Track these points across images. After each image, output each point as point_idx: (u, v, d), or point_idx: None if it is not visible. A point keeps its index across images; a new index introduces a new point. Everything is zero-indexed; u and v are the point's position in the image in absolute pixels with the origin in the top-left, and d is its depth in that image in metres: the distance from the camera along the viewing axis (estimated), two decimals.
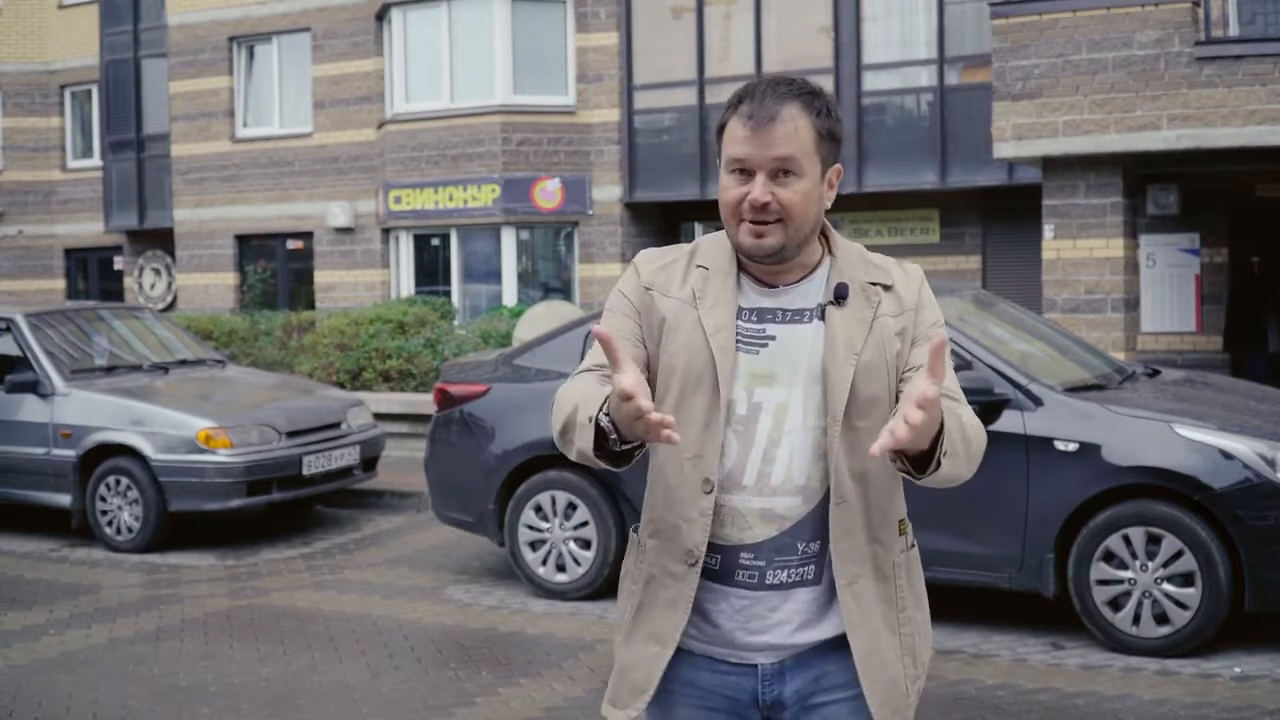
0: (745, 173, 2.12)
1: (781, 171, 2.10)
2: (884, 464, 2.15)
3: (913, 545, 2.28)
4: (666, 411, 2.15)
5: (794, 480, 2.15)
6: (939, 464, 1.98)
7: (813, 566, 2.17)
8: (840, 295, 2.17)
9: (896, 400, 2.17)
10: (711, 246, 2.27)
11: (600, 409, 2.01)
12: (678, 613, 2.16)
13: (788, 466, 2.15)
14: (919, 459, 2.00)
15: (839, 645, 2.19)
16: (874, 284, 2.21)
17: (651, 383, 2.21)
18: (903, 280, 2.25)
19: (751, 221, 2.12)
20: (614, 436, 1.98)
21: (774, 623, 2.17)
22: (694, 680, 2.20)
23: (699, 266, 2.24)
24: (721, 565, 2.16)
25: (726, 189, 2.15)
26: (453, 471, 7.53)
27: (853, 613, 2.15)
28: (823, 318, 2.17)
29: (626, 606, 2.26)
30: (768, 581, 2.16)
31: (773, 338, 2.17)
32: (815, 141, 2.12)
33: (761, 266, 2.20)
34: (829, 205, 2.19)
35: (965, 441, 2.08)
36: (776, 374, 2.15)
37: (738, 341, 2.16)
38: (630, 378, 1.89)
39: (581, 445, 2.03)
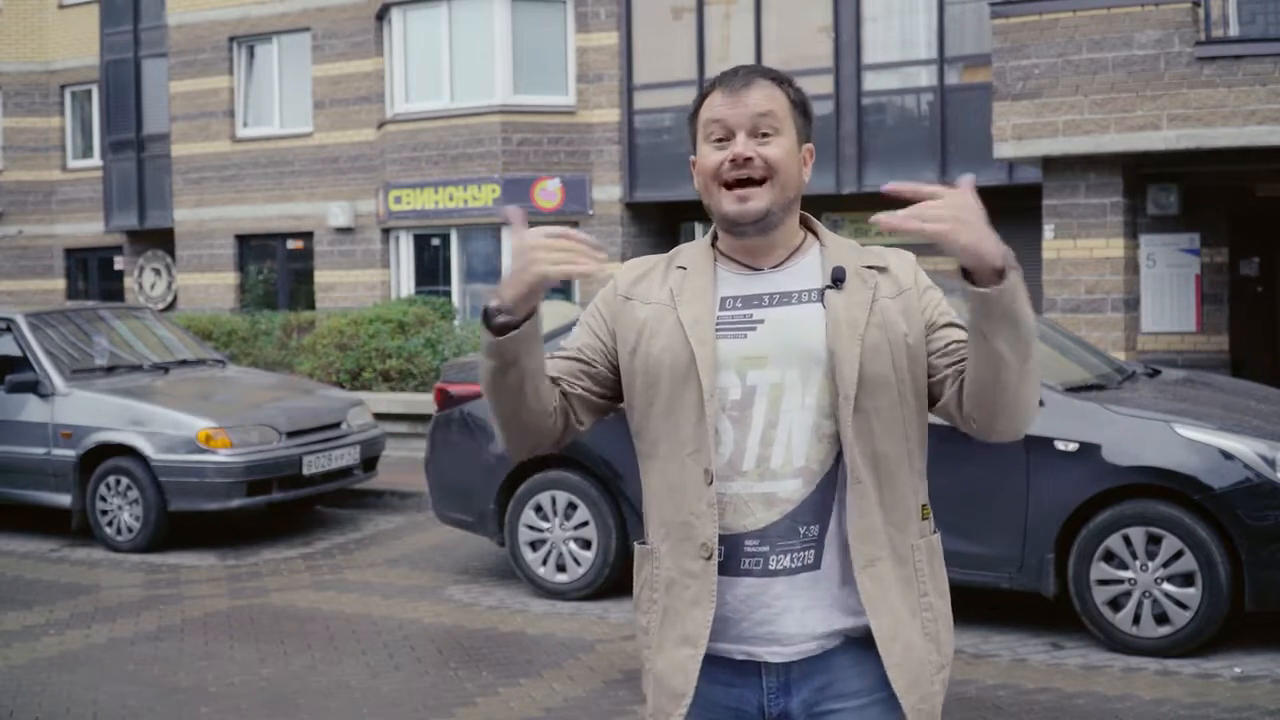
0: (724, 139, 2.16)
1: (761, 132, 2.15)
2: (899, 445, 2.16)
3: (935, 532, 2.26)
4: (660, 412, 2.18)
5: (794, 462, 2.14)
6: (1009, 286, 1.96)
7: (813, 551, 2.15)
8: (838, 278, 2.18)
9: (913, 384, 2.17)
10: (690, 249, 2.30)
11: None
12: (703, 610, 2.15)
13: (786, 448, 2.14)
14: (991, 276, 1.98)
15: (844, 650, 2.16)
16: (869, 268, 2.22)
17: (628, 388, 2.25)
18: (897, 263, 2.26)
19: (735, 182, 2.14)
20: (494, 308, 2.08)
21: (779, 610, 2.14)
22: (700, 692, 2.18)
23: (678, 268, 2.26)
24: (726, 556, 2.15)
25: (706, 156, 2.18)
26: (453, 471, 7.53)
27: (872, 595, 2.12)
28: (820, 300, 2.18)
29: (651, 616, 2.24)
30: (771, 568, 2.14)
31: (761, 321, 2.17)
32: (790, 108, 2.19)
33: (744, 246, 2.21)
34: (807, 180, 2.23)
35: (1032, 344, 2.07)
36: (768, 356, 2.15)
37: (721, 329, 2.17)
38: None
39: (483, 344, 2.12)
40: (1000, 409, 2.10)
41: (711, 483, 2.13)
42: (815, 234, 2.29)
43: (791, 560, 2.14)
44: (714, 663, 2.18)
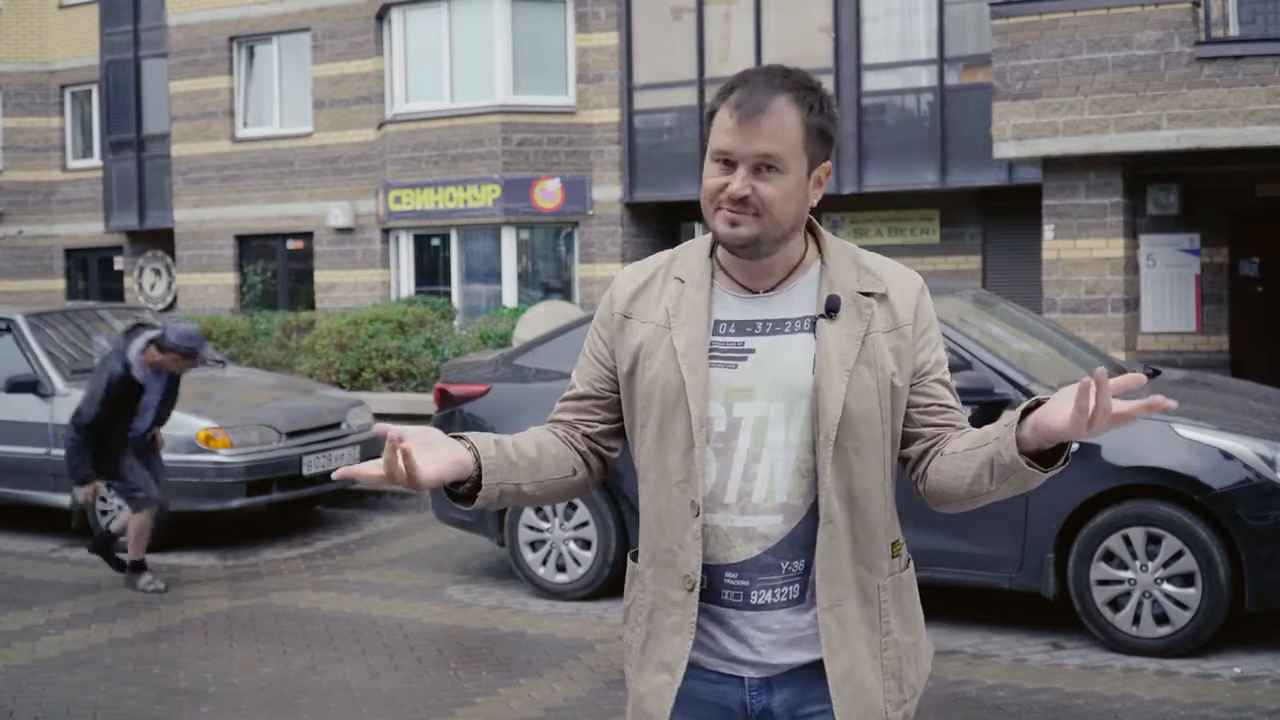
0: (728, 164, 2.07)
1: (764, 166, 2.05)
2: (877, 483, 2.13)
3: (906, 566, 2.24)
4: (651, 437, 2.17)
5: (775, 498, 2.12)
6: (1067, 460, 2.01)
7: (798, 585, 2.14)
8: (831, 309, 2.12)
9: (892, 424, 2.15)
10: (690, 256, 2.24)
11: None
12: (683, 639, 2.15)
13: (769, 484, 2.12)
14: (1049, 455, 2.01)
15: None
16: (866, 294, 2.16)
17: (626, 409, 2.25)
18: (897, 287, 2.19)
19: (728, 210, 2.08)
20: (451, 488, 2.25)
21: (762, 643, 2.15)
22: (684, 690, 2.19)
23: (676, 279, 2.21)
24: (708, 585, 2.15)
25: (708, 176, 2.12)
26: None
27: (833, 636, 2.12)
28: (812, 330, 2.13)
29: (635, 636, 2.25)
30: (753, 601, 2.14)
31: (752, 350, 2.13)
32: (803, 138, 2.07)
33: (741, 267, 2.17)
34: (815, 203, 2.15)
35: None
36: (755, 388, 2.12)
37: (713, 357, 2.13)
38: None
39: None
40: (956, 507, 2.18)
41: (698, 514, 2.12)
42: (819, 245, 2.21)
43: (774, 595, 2.14)
44: (697, 666, 2.19)
